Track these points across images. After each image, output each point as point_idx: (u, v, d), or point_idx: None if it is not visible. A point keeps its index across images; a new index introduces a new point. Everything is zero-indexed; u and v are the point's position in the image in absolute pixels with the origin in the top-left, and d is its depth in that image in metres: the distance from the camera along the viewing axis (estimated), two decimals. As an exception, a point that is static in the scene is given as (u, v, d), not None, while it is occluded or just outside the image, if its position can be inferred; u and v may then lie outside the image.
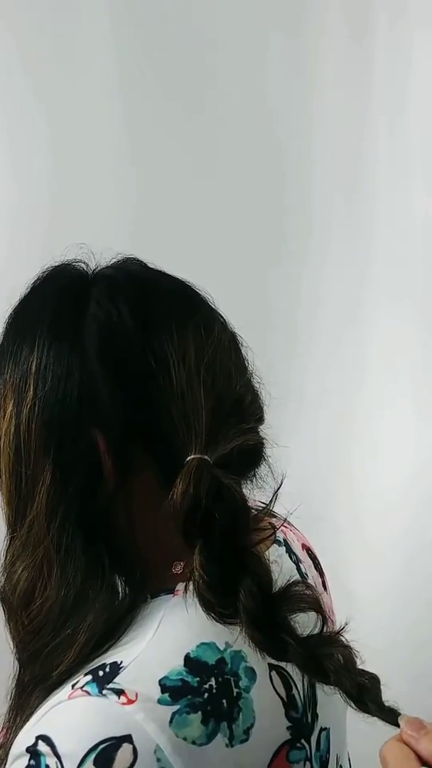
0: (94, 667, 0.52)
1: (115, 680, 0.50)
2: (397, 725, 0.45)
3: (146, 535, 0.57)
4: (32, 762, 0.48)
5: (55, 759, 0.47)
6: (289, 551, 0.68)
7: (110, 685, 0.50)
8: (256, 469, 0.58)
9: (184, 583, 0.55)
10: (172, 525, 0.51)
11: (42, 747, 0.48)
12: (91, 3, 1.21)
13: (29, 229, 1.18)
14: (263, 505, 0.57)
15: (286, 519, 0.62)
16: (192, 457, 0.53)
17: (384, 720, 0.46)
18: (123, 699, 0.49)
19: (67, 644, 0.55)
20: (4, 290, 0.61)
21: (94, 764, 0.46)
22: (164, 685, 0.51)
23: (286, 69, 1.31)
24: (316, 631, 0.50)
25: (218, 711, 0.52)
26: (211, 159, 1.29)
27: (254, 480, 0.59)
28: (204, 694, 0.52)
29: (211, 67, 1.28)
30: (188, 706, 0.50)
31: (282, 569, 0.58)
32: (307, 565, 0.71)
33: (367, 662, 0.50)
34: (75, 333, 0.56)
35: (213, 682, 0.52)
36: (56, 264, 0.63)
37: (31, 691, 0.57)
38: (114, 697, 0.49)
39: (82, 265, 0.62)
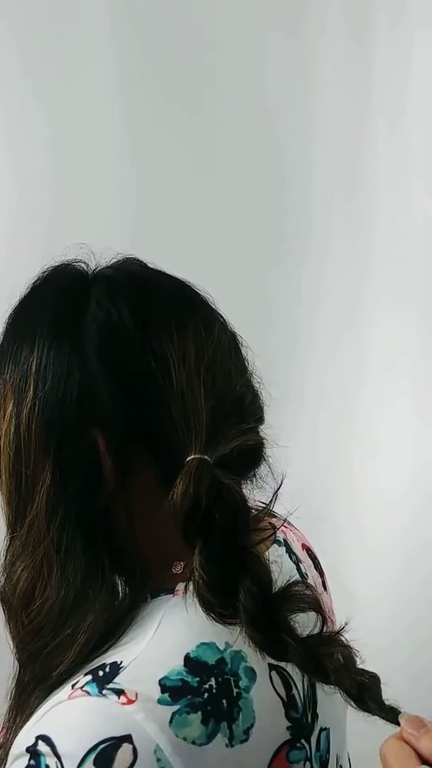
0: (94, 667, 0.52)
1: (115, 680, 0.50)
2: (398, 724, 0.45)
3: (146, 535, 0.57)
4: (32, 762, 0.48)
5: (55, 759, 0.47)
6: (289, 551, 0.68)
7: (110, 685, 0.50)
8: (256, 469, 0.58)
9: (184, 583, 0.55)
10: (172, 525, 0.51)
11: (42, 747, 0.48)
12: (91, 3, 1.21)
13: (29, 229, 1.18)
14: (263, 505, 0.57)
15: (286, 519, 0.62)
16: (192, 457, 0.53)
17: (384, 719, 0.46)
18: (123, 699, 0.49)
19: (67, 644, 0.55)
20: (4, 290, 0.61)
21: (94, 764, 0.46)
22: (164, 685, 0.51)
23: (286, 69, 1.31)
24: (316, 631, 0.50)
25: (218, 711, 0.52)
26: (211, 159, 1.29)
27: (254, 480, 0.59)
28: (204, 694, 0.52)
29: (211, 67, 1.28)
30: (188, 706, 0.50)
31: (282, 569, 0.58)
32: (307, 565, 0.71)
33: (367, 662, 0.50)
34: (75, 333, 0.56)
35: (213, 682, 0.52)
36: (56, 264, 0.63)
37: (31, 691, 0.57)
38: (114, 697, 0.49)
39: (82, 265, 0.62)
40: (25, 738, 0.50)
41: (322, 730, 0.61)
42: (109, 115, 1.24)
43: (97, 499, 0.56)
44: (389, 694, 0.48)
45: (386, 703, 0.47)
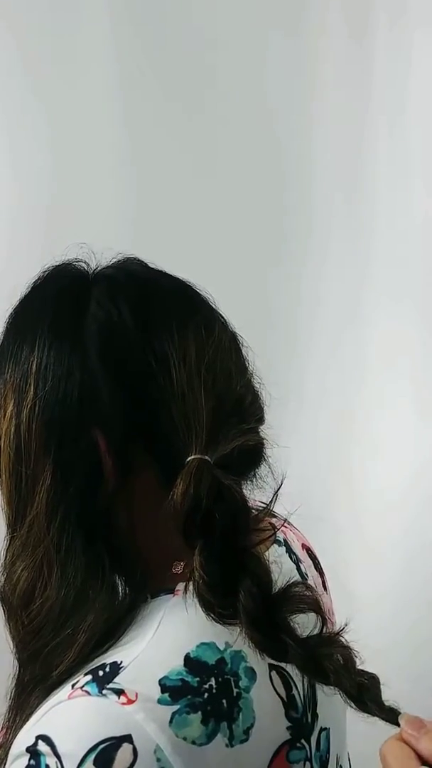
0: (94, 666, 0.52)
1: (115, 680, 0.50)
2: (398, 724, 0.45)
3: (146, 535, 0.57)
4: (32, 762, 0.48)
5: (55, 759, 0.47)
6: (289, 551, 0.68)
7: (110, 685, 0.50)
8: (257, 470, 0.58)
9: (185, 583, 0.55)
10: (173, 525, 0.51)
11: (42, 747, 0.48)
12: (91, 3, 1.21)
13: (29, 229, 1.18)
14: (263, 506, 0.57)
15: (286, 519, 0.62)
16: (192, 457, 0.53)
17: (384, 719, 0.46)
18: (123, 699, 0.49)
19: (67, 644, 0.55)
20: (5, 290, 0.61)
21: (94, 764, 0.46)
22: (164, 685, 0.51)
23: (286, 69, 1.31)
24: (316, 631, 0.50)
25: (218, 711, 0.52)
26: (211, 159, 1.29)
27: (254, 480, 0.59)
28: (204, 694, 0.52)
29: (211, 67, 1.28)
30: (188, 706, 0.50)
31: (282, 570, 0.58)
32: (307, 565, 0.71)
33: (367, 662, 0.50)
34: (75, 333, 0.56)
35: (213, 682, 0.52)
36: (57, 263, 0.63)
37: (31, 691, 0.57)
38: (114, 697, 0.49)
39: (83, 264, 0.62)
40: (25, 738, 0.50)
41: (322, 730, 0.61)
42: (109, 115, 1.24)
43: (98, 499, 0.56)
44: (389, 695, 0.48)
45: (386, 703, 0.47)
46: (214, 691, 0.52)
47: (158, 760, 0.48)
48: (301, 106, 1.32)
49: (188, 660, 0.52)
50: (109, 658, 0.53)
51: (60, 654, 0.55)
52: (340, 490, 1.33)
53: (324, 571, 0.75)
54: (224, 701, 0.52)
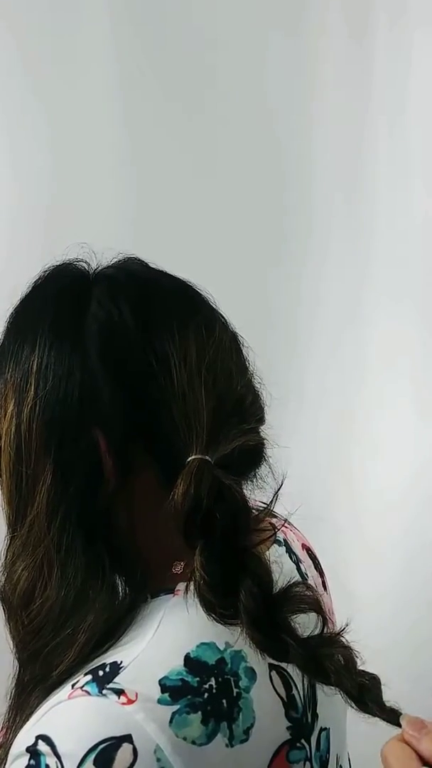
0: (94, 666, 0.52)
1: (115, 680, 0.50)
2: (399, 725, 0.45)
3: (147, 535, 0.57)
4: (32, 762, 0.48)
5: (55, 759, 0.47)
6: (289, 551, 0.68)
7: (110, 685, 0.50)
8: (257, 470, 0.58)
9: (185, 583, 0.55)
10: (173, 525, 0.51)
11: (42, 747, 0.48)
12: (91, 3, 1.21)
13: (29, 229, 1.18)
14: (264, 506, 0.57)
15: (286, 520, 0.62)
16: (193, 457, 0.53)
17: (385, 720, 0.46)
18: (123, 699, 0.49)
19: (67, 644, 0.55)
20: (5, 290, 0.61)
21: (94, 764, 0.46)
22: (164, 685, 0.51)
23: (286, 69, 1.31)
24: (317, 632, 0.50)
25: (218, 711, 0.52)
26: (211, 159, 1.29)
27: (254, 480, 0.59)
28: (204, 694, 0.52)
29: (211, 67, 1.28)
30: (188, 706, 0.50)
31: (282, 570, 0.58)
32: (307, 565, 0.71)
33: (367, 662, 0.50)
34: (76, 333, 0.56)
35: (213, 682, 0.52)
36: (57, 263, 0.63)
37: (31, 691, 0.57)
38: (114, 697, 0.49)
39: (84, 264, 0.62)
40: (25, 738, 0.50)
41: (322, 730, 0.61)
42: (109, 115, 1.24)
43: (98, 499, 0.56)
44: (389, 695, 0.48)
45: (387, 704, 0.47)
46: (214, 691, 0.52)
47: (158, 760, 0.48)
48: (301, 106, 1.32)
49: (188, 660, 0.52)
50: (109, 658, 0.53)
51: (60, 654, 0.55)
52: (340, 490, 1.33)
53: (324, 571, 0.75)
54: (224, 701, 0.52)
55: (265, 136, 1.31)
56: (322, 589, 0.73)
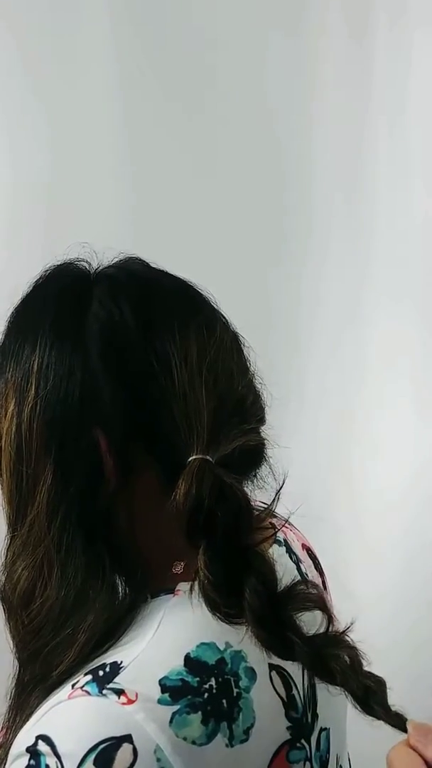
0: (94, 666, 0.52)
1: (115, 680, 0.50)
2: (404, 730, 0.45)
3: (147, 535, 0.57)
4: (32, 762, 0.48)
5: (55, 759, 0.47)
6: (289, 551, 0.68)
7: (110, 685, 0.50)
8: (257, 470, 0.58)
9: (186, 583, 0.55)
10: (176, 525, 0.51)
11: (42, 747, 0.48)
12: (91, 3, 1.21)
13: (29, 229, 1.18)
14: (264, 506, 0.57)
15: (287, 520, 0.62)
16: (194, 457, 0.53)
17: (391, 725, 0.46)
18: (123, 699, 0.49)
19: (67, 644, 0.55)
20: (5, 289, 0.61)
21: (94, 764, 0.46)
22: (164, 685, 0.51)
23: (286, 69, 1.31)
24: (322, 630, 0.50)
25: (218, 711, 0.52)
26: (211, 159, 1.29)
27: (255, 480, 0.59)
28: (204, 694, 0.52)
29: (211, 67, 1.28)
30: (188, 706, 0.50)
31: (284, 569, 0.57)
32: (307, 565, 0.71)
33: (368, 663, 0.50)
34: (77, 332, 0.56)
35: (213, 682, 0.52)
36: (58, 263, 0.63)
37: (31, 691, 0.57)
38: (114, 697, 0.49)
39: (84, 264, 0.62)
40: (25, 738, 0.50)
41: (322, 730, 0.61)
42: (109, 115, 1.24)
43: (98, 499, 0.56)
44: (389, 695, 0.47)
45: (392, 708, 0.46)
46: (214, 691, 0.52)
47: (158, 760, 0.48)
48: (301, 106, 1.32)
49: (188, 660, 0.52)
50: (109, 658, 0.53)
51: (60, 654, 0.55)
52: (340, 490, 1.33)
53: (324, 571, 0.75)
54: (224, 701, 0.52)
55: (265, 136, 1.31)
56: (322, 589, 0.73)
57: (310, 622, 0.51)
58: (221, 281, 0.65)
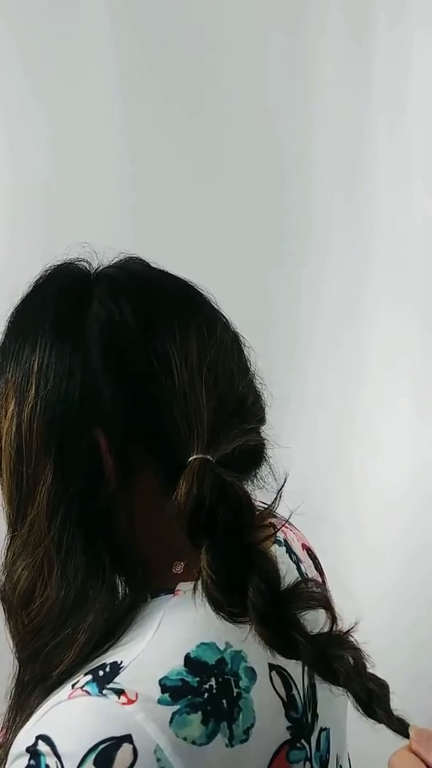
0: (94, 666, 0.52)
1: (116, 680, 0.50)
2: (406, 735, 0.45)
3: (147, 535, 0.57)
4: (32, 762, 0.48)
5: (55, 759, 0.47)
6: (289, 551, 0.68)
7: (110, 685, 0.50)
8: (257, 470, 0.58)
9: (187, 583, 0.55)
10: (177, 525, 0.51)
11: (42, 747, 0.48)
12: (91, 3, 1.21)
13: (29, 229, 1.18)
14: (265, 506, 0.57)
15: (287, 520, 0.62)
16: (195, 457, 0.53)
17: (392, 729, 0.46)
18: (123, 699, 0.49)
19: (67, 644, 0.55)
20: (5, 289, 0.61)
21: (94, 764, 0.46)
22: (164, 685, 0.51)
23: (286, 69, 1.31)
24: (326, 629, 0.50)
25: (218, 711, 0.52)
26: (211, 159, 1.29)
27: (255, 481, 0.59)
28: (204, 694, 0.52)
29: (211, 67, 1.28)
30: (188, 706, 0.50)
31: (286, 568, 0.57)
32: (307, 565, 0.71)
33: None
34: (77, 332, 0.56)
35: (213, 682, 0.52)
36: (58, 263, 0.63)
37: (31, 691, 0.57)
38: (114, 697, 0.49)
39: (85, 264, 0.62)
40: (25, 738, 0.50)
41: (322, 730, 0.61)
42: (109, 115, 1.24)
43: (99, 499, 0.56)
44: (391, 699, 0.47)
45: (395, 713, 0.46)
46: (214, 691, 0.52)
47: (158, 760, 0.48)
48: (301, 106, 1.32)
49: (188, 660, 0.52)
50: (109, 658, 0.53)
51: (60, 654, 0.55)
52: (340, 490, 1.33)
53: (324, 571, 0.74)
54: (224, 701, 0.52)
55: (265, 136, 1.31)
56: (326, 587, 0.73)
57: (313, 622, 0.51)
58: (221, 281, 0.65)
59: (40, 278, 0.62)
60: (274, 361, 0.66)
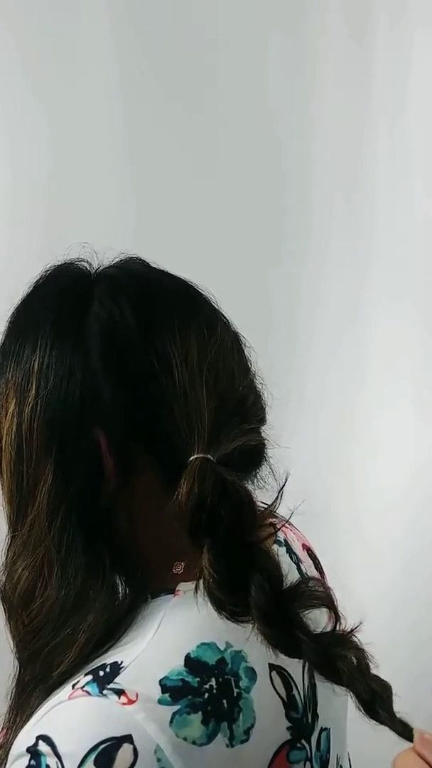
0: (94, 667, 0.52)
1: (116, 680, 0.50)
2: (409, 738, 0.45)
3: (147, 535, 0.57)
4: (33, 762, 0.48)
5: (56, 759, 0.47)
6: (290, 551, 0.68)
7: (111, 685, 0.50)
8: (258, 470, 0.58)
9: (187, 583, 0.55)
10: (177, 525, 0.51)
11: (42, 747, 0.48)
12: (91, 3, 1.21)
13: (29, 229, 1.18)
14: (265, 506, 0.57)
15: (287, 520, 0.62)
16: (195, 456, 0.53)
17: (394, 731, 0.45)
18: (123, 699, 0.49)
19: (68, 644, 0.55)
20: (6, 290, 0.61)
21: (95, 764, 0.46)
22: (165, 685, 0.51)
23: (286, 69, 1.31)
24: (329, 628, 0.50)
25: (219, 711, 0.52)
26: (211, 159, 1.29)
27: (255, 481, 0.59)
28: (204, 694, 0.52)
29: (211, 67, 1.28)
30: (189, 706, 0.50)
31: (288, 567, 0.57)
32: (307, 565, 0.71)
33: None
34: (77, 332, 0.56)
35: (213, 682, 0.52)
36: (59, 263, 0.63)
37: (31, 691, 0.57)
38: (114, 697, 0.49)
39: (85, 264, 0.62)
40: (25, 738, 0.50)
41: (322, 730, 0.61)
42: (109, 115, 1.24)
43: (99, 499, 0.56)
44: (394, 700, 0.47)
45: (398, 715, 0.46)
46: (214, 691, 0.52)
47: (158, 760, 0.48)
48: (301, 106, 1.32)
49: (189, 660, 0.52)
50: (109, 658, 0.53)
51: (60, 654, 0.55)
52: (340, 490, 1.33)
53: (324, 571, 0.74)
54: (225, 701, 0.52)
55: (265, 136, 1.31)
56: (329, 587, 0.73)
57: (315, 621, 0.51)
58: (221, 281, 0.65)
59: (40, 278, 0.62)
60: (274, 361, 0.66)
